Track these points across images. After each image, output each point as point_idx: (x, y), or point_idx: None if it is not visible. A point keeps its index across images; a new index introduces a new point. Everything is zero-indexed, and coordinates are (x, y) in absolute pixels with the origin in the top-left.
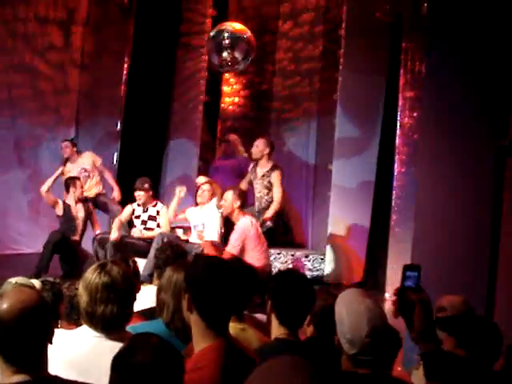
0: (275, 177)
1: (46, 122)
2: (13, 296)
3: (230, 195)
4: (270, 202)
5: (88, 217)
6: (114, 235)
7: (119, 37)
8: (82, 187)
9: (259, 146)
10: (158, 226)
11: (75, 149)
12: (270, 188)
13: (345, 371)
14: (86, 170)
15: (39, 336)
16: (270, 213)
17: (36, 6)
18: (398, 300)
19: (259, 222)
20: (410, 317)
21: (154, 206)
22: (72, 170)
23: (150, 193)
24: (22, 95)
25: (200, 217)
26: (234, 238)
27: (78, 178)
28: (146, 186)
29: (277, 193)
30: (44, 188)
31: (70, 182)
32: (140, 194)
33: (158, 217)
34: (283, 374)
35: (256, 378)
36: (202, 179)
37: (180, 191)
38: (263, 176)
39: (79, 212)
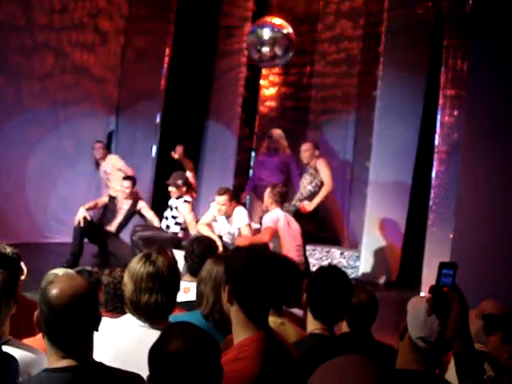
0: (320, 163)
1: (88, 113)
2: (64, 282)
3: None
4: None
5: (135, 212)
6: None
7: (160, 31)
8: (131, 190)
9: (309, 150)
10: (183, 223)
11: (106, 151)
12: (314, 176)
13: (397, 369)
14: (106, 173)
15: (87, 323)
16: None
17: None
18: (432, 298)
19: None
20: (445, 315)
21: (177, 198)
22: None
23: (183, 189)
24: (63, 86)
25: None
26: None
27: (134, 179)
28: (179, 182)
29: (325, 176)
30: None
31: (126, 180)
32: (172, 190)
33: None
34: (350, 373)
35: (322, 374)
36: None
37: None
38: (309, 169)
39: (124, 204)
